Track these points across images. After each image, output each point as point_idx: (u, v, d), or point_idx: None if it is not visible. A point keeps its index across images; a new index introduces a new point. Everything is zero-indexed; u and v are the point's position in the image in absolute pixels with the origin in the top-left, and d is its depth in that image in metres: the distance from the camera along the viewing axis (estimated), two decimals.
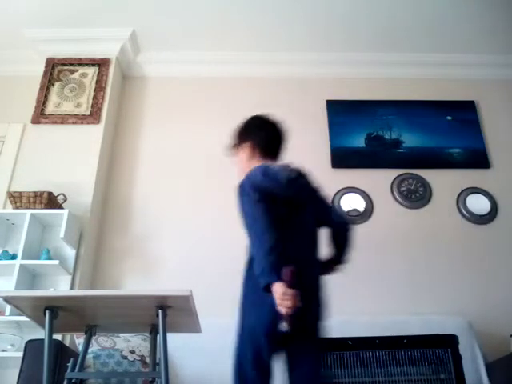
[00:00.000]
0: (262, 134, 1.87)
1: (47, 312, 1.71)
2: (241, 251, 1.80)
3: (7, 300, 1.77)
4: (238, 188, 1.71)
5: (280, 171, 1.66)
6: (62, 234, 2.84)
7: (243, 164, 1.85)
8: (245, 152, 1.85)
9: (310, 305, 1.63)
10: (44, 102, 3.51)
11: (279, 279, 1.49)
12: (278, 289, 1.48)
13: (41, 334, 1.78)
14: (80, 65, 3.66)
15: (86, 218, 3.13)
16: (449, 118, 3.72)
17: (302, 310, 1.52)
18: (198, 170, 3.50)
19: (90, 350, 2.36)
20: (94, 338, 2.24)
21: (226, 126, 3.63)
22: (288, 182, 1.64)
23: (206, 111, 3.72)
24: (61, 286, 2.91)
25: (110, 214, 3.40)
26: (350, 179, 3.48)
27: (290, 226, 1.68)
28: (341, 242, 1.89)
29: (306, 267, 1.65)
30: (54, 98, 3.54)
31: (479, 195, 3.44)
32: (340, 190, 3.44)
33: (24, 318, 2.43)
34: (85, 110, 3.48)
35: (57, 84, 3.60)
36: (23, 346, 2.38)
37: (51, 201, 2.99)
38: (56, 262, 2.84)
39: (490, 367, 2.68)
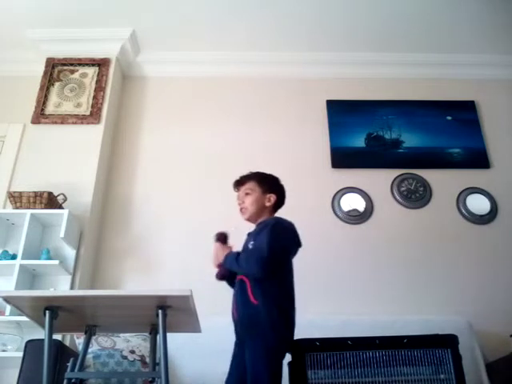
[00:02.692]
0: (282, 194, 2.23)
1: (47, 312, 1.71)
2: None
3: (7, 300, 1.77)
4: (270, 223, 2.03)
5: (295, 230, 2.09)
6: (61, 234, 2.84)
7: (256, 205, 2.14)
8: (269, 201, 2.16)
9: (293, 331, 1.99)
10: (44, 102, 3.52)
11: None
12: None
13: (41, 333, 1.78)
14: (80, 65, 3.66)
15: (86, 218, 3.13)
16: (449, 118, 3.72)
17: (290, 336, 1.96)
18: (198, 170, 3.50)
19: (90, 350, 2.36)
20: (93, 337, 2.25)
21: (225, 126, 3.67)
22: (299, 241, 2.10)
23: (206, 111, 3.73)
24: (61, 286, 2.91)
25: (109, 213, 3.40)
26: (350, 179, 3.48)
27: (291, 271, 2.07)
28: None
29: (293, 303, 2.01)
30: (53, 97, 3.54)
31: (479, 195, 3.44)
32: (340, 190, 3.44)
33: (24, 318, 2.43)
34: (85, 110, 3.48)
35: (57, 84, 3.60)
36: (23, 346, 2.38)
37: (51, 201, 2.99)
38: (56, 262, 2.84)
39: (490, 367, 2.68)
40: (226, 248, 2.09)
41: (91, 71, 3.63)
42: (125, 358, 2.49)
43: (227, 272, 2.07)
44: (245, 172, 2.25)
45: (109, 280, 3.16)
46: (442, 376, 2.13)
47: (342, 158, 3.56)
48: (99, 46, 3.69)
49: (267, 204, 2.15)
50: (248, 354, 1.87)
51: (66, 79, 3.62)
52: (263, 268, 1.89)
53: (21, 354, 2.36)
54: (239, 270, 1.99)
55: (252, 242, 2.02)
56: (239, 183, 2.21)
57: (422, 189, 3.47)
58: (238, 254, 2.02)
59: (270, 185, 2.19)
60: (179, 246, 3.24)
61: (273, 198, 2.16)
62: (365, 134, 3.65)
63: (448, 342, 2.19)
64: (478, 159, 3.57)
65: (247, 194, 2.15)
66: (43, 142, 3.38)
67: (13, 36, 3.64)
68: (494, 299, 3.10)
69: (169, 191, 3.43)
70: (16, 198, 2.96)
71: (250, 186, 2.17)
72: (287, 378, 2.20)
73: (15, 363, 2.43)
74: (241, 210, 2.16)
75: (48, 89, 3.57)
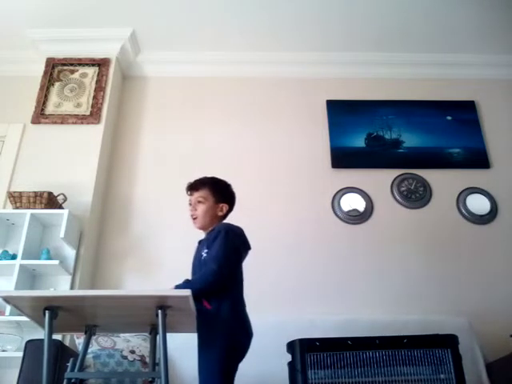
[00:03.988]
0: (233, 203, 2.23)
1: (47, 312, 1.71)
2: None
3: (7, 300, 1.77)
4: (223, 230, 2.02)
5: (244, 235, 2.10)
6: (61, 234, 2.84)
7: (208, 215, 2.13)
8: (221, 210, 2.15)
9: (250, 332, 1.99)
10: (44, 102, 3.52)
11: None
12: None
13: (41, 334, 1.78)
14: (80, 65, 3.67)
15: (86, 218, 3.13)
16: (449, 118, 3.72)
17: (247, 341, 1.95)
18: (197, 170, 3.49)
19: (89, 350, 2.36)
20: (93, 337, 2.25)
21: (225, 126, 3.67)
22: (249, 245, 2.11)
23: (206, 111, 3.73)
24: (61, 286, 2.91)
25: (109, 214, 3.40)
26: (350, 179, 3.48)
27: (242, 273, 2.08)
28: None
29: (244, 304, 2.03)
30: (53, 98, 3.54)
31: (479, 195, 3.44)
32: (340, 190, 3.44)
33: (24, 318, 2.43)
34: (85, 110, 3.48)
35: (57, 84, 3.60)
36: (23, 346, 2.38)
37: (51, 201, 2.99)
38: (56, 262, 2.84)
39: (490, 367, 2.68)
40: None
41: (91, 71, 3.63)
42: (125, 358, 2.49)
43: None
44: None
45: (109, 280, 3.16)
46: (442, 376, 2.13)
47: (342, 158, 3.56)
48: (99, 46, 3.69)
49: (219, 214, 2.15)
50: (201, 360, 1.88)
51: (66, 79, 3.62)
52: (223, 277, 1.91)
53: (21, 354, 2.36)
54: (205, 288, 1.92)
55: (206, 251, 2.01)
56: (192, 188, 2.19)
57: (421, 189, 3.47)
58: (188, 280, 1.99)
59: (223, 194, 2.19)
60: (179, 246, 3.23)
61: (225, 207, 2.17)
62: (365, 133, 3.65)
63: (448, 342, 2.19)
64: (478, 159, 3.57)
65: (199, 202, 2.14)
66: (43, 142, 3.38)
67: (13, 36, 3.64)
68: (494, 299, 3.10)
69: (169, 191, 3.43)
70: (16, 198, 2.96)
71: (203, 193, 2.16)
72: (287, 377, 2.21)
73: (15, 363, 2.44)
74: (192, 217, 2.15)
75: (48, 89, 3.57)
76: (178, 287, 1.90)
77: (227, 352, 1.86)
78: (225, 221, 2.17)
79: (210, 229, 2.12)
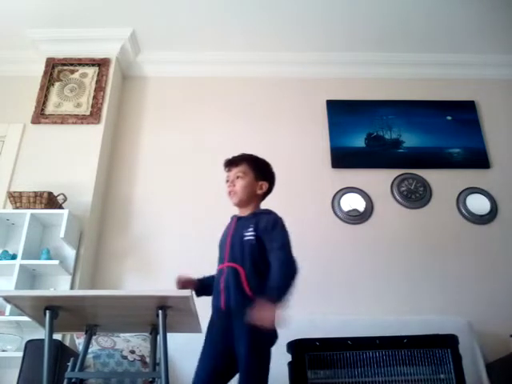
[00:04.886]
0: (273, 183, 2.13)
1: (47, 312, 1.71)
2: None
3: (7, 300, 1.77)
4: (280, 221, 1.96)
5: None
6: (61, 234, 2.84)
7: (247, 191, 2.03)
8: (261, 188, 2.06)
9: None
10: (44, 102, 3.52)
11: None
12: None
13: (41, 333, 1.78)
14: (80, 65, 3.66)
15: (86, 218, 3.13)
16: (449, 118, 3.72)
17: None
18: (197, 170, 3.50)
19: (90, 350, 2.36)
20: (94, 337, 2.24)
21: (225, 126, 3.67)
22: None
23: (206, 111, 3.73)
24: (61, 286, 2.91)
25: (109, 213, 3.40)
26: (350, 179, 3.48)
27: None
28: None
29: None
30: (53, 98, 3.54)
31: (479, 195, 3.44)
32: (340, 190, 3.44)
33: (24, 318, 2.44)
34: (85, 110, 3.48)
35: (57, 84, 3.60)
36: (23, 346, 2.38)
37: (51, 201, 2.99)
38: (56, 262, 2.84)
39: (490, 367, 2.68)
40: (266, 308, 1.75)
41: (91, 71, 3.63)
42: (125, 358, 2.49)
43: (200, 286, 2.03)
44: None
45: (109, 280, 3.16)
46: (442, 376, 2.14)
47: (342, 158, 3.56)
48: (99, 46, 3.69)
49: (258, 192, 2.05)
50: (242, 346, 1.77)
51: (66, 79, 3.62)
52: (295, 266, 1.88)
53: (21, 354, 2.35)
54: (287, 287, 1.82)
55: (252, 234, 1.92)
56: (231, 163, 2.08)
57: (422, 189, 3.47)
58: (267, 286, 1.81)
59: (262, 171, 2.09)
60: (179, 246, 3.24)
61: (265, 186, 2.07)
62: (365, 134, 3.65)
63: (448, 342, 2.19)
64: (478, 159, 3.57)
65: (239, 177, 2.04)
66: (43, 142, 3.38)
67: (13, 36, 3.64)
68: (494, 299, 3.10)
69: (169, 191, 3.43)
70: (16, 198, 2.96)
71: (242, 168, 2.06)
72: (287, 377, 2.21)
73: (15, 363, 2.43)
74: (229, 193, 2.05)
75: (48, 89, 3.57)
76: (261, 300, 1.75)
77: (266, 341, 1.80)
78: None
79: (247, 207, 2.03)
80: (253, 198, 2.04)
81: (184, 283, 2.00)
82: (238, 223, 2.01)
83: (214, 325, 1.91)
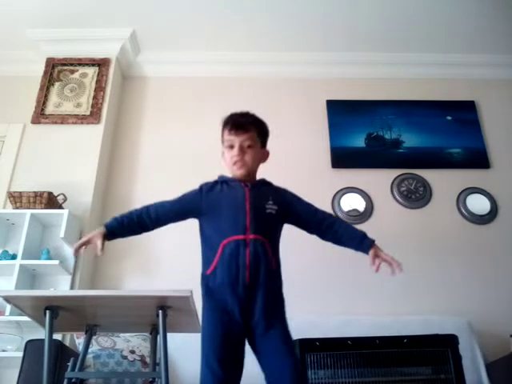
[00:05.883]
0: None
1: (47, 312, 1.71)
2: None
3: (8, 300, 1.78)
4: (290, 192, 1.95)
5: None
6: (61, 234, 2.84)
7: (257, 162, 1.88)
8: (265, 157, 1.91)
9: None
10: (44, 102, 3.52)
11: None
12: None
13: (41, 334, 1.78)
14: (80, 65, 3.66)
15: (86, 218, 3.13)
16: (449, 118, 3.72)
17: None
18: (198, 170, 3.49)
19: (90, 350, 2.36)
20: (94, 337, 2.25)
21: None
22: None
23: (206, 111, 3.72)
24: (61, 286, 2.91)
25: (109, 213, 3.38)
26: (350, 179, 3.48)
27: None
28: None
29: None
30: (53, 97, 3.54)
31: (479, 195, 3.44)
32: (340, 190, 3.44)
33: (24, 318, 2.44)
34: (85, 110, 3.48)
35: (57, 84, 3.60)
36: (23, 346, 2.38)
37: (51, 201, 2.99)
38: (56, 262, 2.84)
39: (490, 367, 2.68)
40: None
41: (91, 71, 3.63)
42: (125, 358, 2.49)
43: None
44: None
45: (109, 280, 3.16)
46: (441, 376, 2.14)
47: (342, 158, 3.56)
48: (99, 46, 3.69)
49: (262, 161, 1.89)
50: (277, 317, 1.67)
51: (66, 79, 3.62)
52: None
53: (21, 354, 2.35)
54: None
55: (275, 208, 1.81)
56: (240, 127, 1.81)
57: (422, 189, 3.47)
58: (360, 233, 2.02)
59: (266, 137, 1.91)
60: (179, 246, 3.24)
61: (267, 154, 1.91)
62: (365, 133, 3.65)
63: (448, 342, 2.19)
64: (478, 159, 3.57)
65: (250, 146, 1.81)
66: (43, 142, 3.38)
67: (13, 36, 3.64)
68: (494, 299, 3.10)
69: (169, 191, 3.41)
70: (16, 198, 2.96)
71: (252, 135, 1.82)
72: None
73: (15, 363, 2.43)
74: (236, 162, 1.80)
75: (48, 89, 3.57)
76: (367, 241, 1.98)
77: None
78: None
79: (250, 177, 1.84)
80: (257, 168, 1.89)
81: (86, 242, 1.91)
82: (252, 191, 1.80)
83: (224, 299, 1.68)
